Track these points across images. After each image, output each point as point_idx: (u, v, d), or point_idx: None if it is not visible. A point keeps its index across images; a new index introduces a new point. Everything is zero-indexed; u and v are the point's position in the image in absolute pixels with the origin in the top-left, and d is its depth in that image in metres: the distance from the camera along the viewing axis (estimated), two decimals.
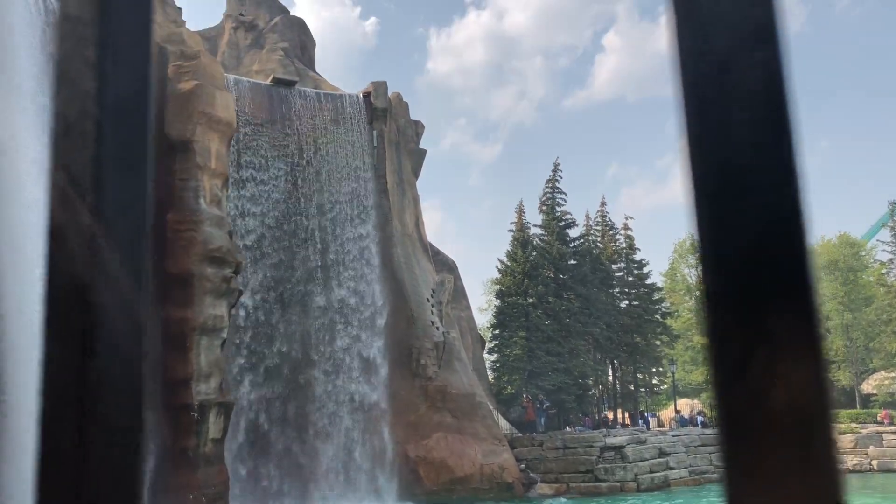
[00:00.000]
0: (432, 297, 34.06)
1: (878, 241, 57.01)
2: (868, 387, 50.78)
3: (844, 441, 39.58)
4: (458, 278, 40.14)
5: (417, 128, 39.67)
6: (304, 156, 32.15)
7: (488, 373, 43.58)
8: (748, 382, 0.66)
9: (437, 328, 32.70)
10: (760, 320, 0.68)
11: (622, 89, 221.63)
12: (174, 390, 23.46)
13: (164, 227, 24.09)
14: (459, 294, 39.89)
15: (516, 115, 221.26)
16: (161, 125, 24.34)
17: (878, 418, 42.95)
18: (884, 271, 51.94)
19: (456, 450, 29.83)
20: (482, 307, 69.33)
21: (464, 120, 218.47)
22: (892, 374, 49.14)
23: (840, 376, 49.50)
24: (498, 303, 46.04)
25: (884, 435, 39.66)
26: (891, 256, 50.75)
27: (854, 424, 42.16)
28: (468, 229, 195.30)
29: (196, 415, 23.27)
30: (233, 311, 26.40)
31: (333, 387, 30.19)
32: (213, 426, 23.93)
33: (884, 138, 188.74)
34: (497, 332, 45.03)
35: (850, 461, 38.34)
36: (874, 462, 38.34)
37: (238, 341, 28.23)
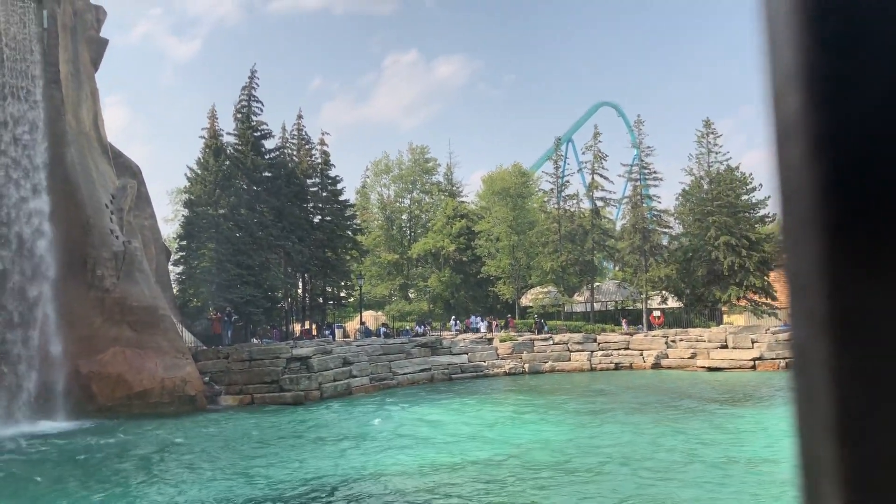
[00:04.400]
0: (112, 203, 31.48)
1: (543, 172, 64.03)
2: (526, 300, 57.64)
3: (503, 348, 44.78)
4: (142, 184, 37.48)
5: (98, 13, 35.62)
6: None
7: (173, 285, 41.79)
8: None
9: (117, 237, 30.44)
10: None
11: (330, 0, 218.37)
12: None
13: None
14: (143, 201, 37.36)
15: (219, 12, 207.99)
16: None
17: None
18: (546, 199, 58.59)
19: (135, 364, 28.45)
20: (168, 217, 65.89)
21: (160, 9, 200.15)
22: (545, 290, 56.22)
23: (505, 290, 55.47)
24: (186, 212, 43.93)
25: (535, 342, 45.53)
26: (552, 186, 57.33)
27: (513, 333, 47.78)
28: (159, 132, 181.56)
29: None
30: None
31: None
32: None
33: (549, 78, 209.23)
34: (184, 242, 43.10)
35: (507, 365, 43.53)
36: (526, 365, 43.95)
37: None
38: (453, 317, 55.16)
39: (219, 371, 32.38)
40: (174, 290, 41.04)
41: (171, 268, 42.83)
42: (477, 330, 49.89)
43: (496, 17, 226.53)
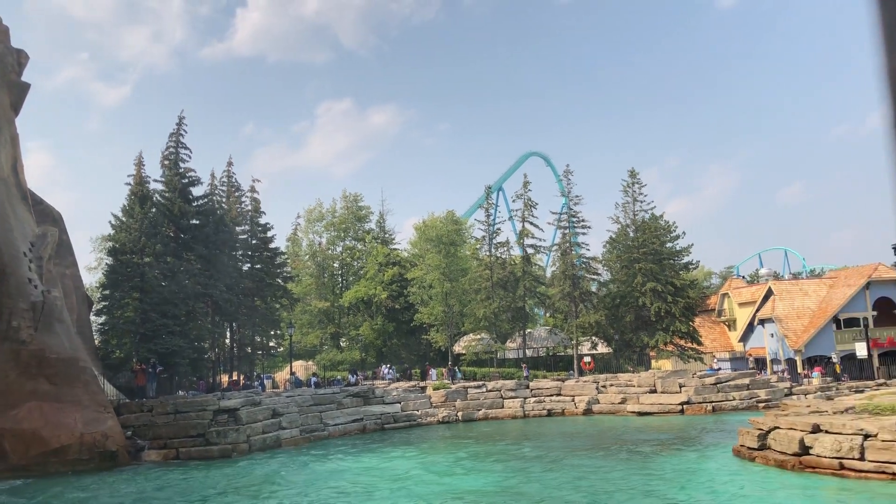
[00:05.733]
0: (31, 251, 30.32)
1: (475, 219, 64.74)
2: (459, 347, 57.61)
3: (436, 396, 44.51)
4: (63, 231, 36.30)
5: (20, 57, 34.74)
6: None
7: (95, 335, 40.30)
8: None
9: (36, 286, 29.25)
10: None
11: (264, 48, 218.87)
12: None
13: None
14: (65, 249, 36.13)
15: (149, 58, 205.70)
16: None
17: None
18: (478, 247, 59.13)
19: (52, 419, 27.13)
20: (91, 265, 63.89)
21: (87, 54, 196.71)
22: (478, 336, 56.37)
23: (438, 338, 55.33)
24: (110, 261, 42.62)
25: (468, 390, 45.42)
26: (483, 234, 57.96)
27: (446, 381, 47.57)
28: (83, 178, 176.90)
29: None
30: None
31: None
32: None
33: (482, 130, 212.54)
34: (108, 292, 41.72)
35: (440, 413, 43.22)
36: (460, 413, 43.75)
37: None
38: (389, 365, 54.60)
39: (142, 425, 31.16)
40: (96, 342, 39.56)
41: (93, 318, 41.34)
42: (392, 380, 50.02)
43: (430, 67, 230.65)
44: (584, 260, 56.70)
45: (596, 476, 22.43)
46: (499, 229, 58.43)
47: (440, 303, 54.83)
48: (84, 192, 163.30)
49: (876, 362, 51.64)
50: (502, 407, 44.91)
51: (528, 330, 59.60)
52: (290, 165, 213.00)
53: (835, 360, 51.69)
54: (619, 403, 44.29)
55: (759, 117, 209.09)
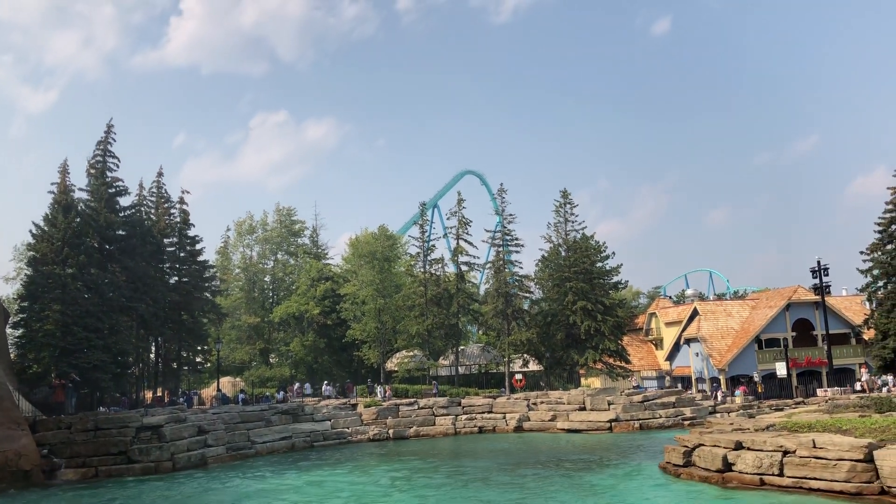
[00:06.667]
0: None
1: (409, 236, 64.72)
2: (391, 364, 57.29)
3: (367, 413, 44.12)
4: None
5: None
6: None
7: (11, 349, 38.55)
8: None
9: None
10: None
11: (198, 59, 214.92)
12: None
13: None
14: None
15: (78, 64, 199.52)
16: None
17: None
18: (412, 263, 59.05)
19: None
20: (9, 276, 61.28)
21: (11, 56, 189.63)
22: (410, 353, 56.17)
23: (370, 355, 54.87)
24: (30, 271, 40.90)
25: (400, 407, 45.18)
26: (418, 250, 57.96)
27: (377, 398, 47.18)
28: (4, 185, 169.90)
29: None
30: None
31: None
32: None
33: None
34: (26, 304, 39.98)
35: (371, 431, 42.83)
36: (391, 431, 43.44)
37: None
38: (325, 381, 53.72)
39: (60, 442, 29.90)
40: (12, 355, 37.86)
41: (9, 330, 39.56)
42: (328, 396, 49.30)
43: (369, 83, 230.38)
44: (517, 278, 57.19)
45: (526, 493, 22.52)
46: (433, 246, 58.51)
47: (373, 319, 54.45)
48: (4, 200, 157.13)
49: (795, 381, 53.54)
50: (434, 424, 44.82)
51: (462, 347, 59.69)
52: (222, 177, 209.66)
53: (756, 380, 53.35)
54: (550, 421, 44.72)
55: (687, 143, 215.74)
